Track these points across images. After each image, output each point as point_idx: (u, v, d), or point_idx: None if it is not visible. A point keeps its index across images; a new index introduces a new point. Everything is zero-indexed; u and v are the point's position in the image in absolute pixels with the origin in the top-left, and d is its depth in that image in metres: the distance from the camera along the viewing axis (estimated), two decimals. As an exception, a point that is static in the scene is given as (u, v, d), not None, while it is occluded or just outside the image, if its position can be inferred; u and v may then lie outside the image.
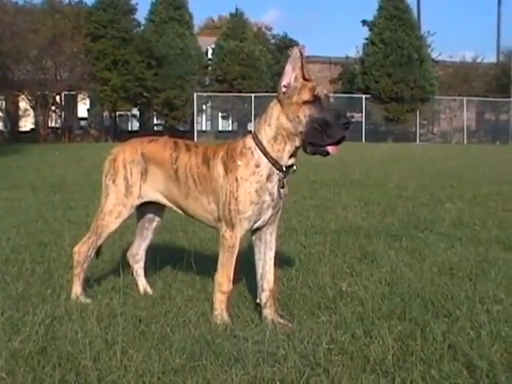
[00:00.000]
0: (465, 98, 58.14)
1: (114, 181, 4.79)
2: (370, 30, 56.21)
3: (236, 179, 4.26)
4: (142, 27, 53.95)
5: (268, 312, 4.47)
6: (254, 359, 3.62)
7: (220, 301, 4.38)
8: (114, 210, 4.76)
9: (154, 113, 55.74)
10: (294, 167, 4.36)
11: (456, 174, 16.71)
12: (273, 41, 62.30)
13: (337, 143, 4.08)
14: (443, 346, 3.77)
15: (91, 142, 49.97)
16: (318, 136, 4.05)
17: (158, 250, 6.40)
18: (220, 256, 4.39)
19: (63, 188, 12.79)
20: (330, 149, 4.09)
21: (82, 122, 57.86)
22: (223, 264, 4.38)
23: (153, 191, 4.72)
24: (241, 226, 4.30)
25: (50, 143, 43.68)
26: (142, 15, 58.12)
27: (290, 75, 4.18)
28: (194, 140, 51.08)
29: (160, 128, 56.62)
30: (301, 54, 4.19)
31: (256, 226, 4.40)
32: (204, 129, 59.88)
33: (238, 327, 4.21)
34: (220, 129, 60.93)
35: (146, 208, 4.97)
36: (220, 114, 59.60)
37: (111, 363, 3.57)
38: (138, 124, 59.79)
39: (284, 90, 4.19)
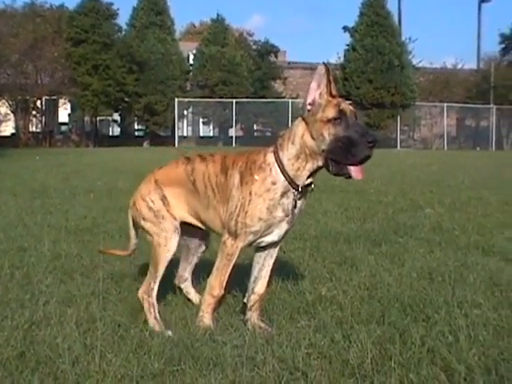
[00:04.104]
0: (445, 105, 58.47)
1: (143, 219, 4.64)
2: (351, 36, 56.39)
3: (250, 193, 4.16)
4: (124, 32, 53.99)
5: (252, 315, 4.45)
6: (232, 363, 3.62)
7: (208, 303, 4.36)
8: (161, 241, 4.63)
9: (135, 118, 55.71)
10: (313, 185, 4.25)
11: (436, 179, 16.76)
12: (254, 46, 62.36)
13: (361, 162, 3.95)
14: (421, 349, 3.78)
15: (72, 146, 49.92)
16: (342, 154, 3.91)
17: (140, 255, 6.39)
18: (217, 261, 4.36)
19: (43, 193, 12.74)
20: (353, 171, 3.96)
21: (63, 127, 57.82)
22: (218, 269, 4.34)
23: (179, 212, 4.59)
24: (245, 238, 4.24)
25: (31, 148, 43.60)
26: (123, 20, 58.04)
27: (315, 92, 4.04)
28: (175, 145, 51.11)
29: (141, 133, 56.60)
30: (327, 70, 4.04)
31: (271, 240, 4.35)
32: (185, 134, 59.86)
33: (217, 332, 4.20)
34: (201, 134, 60.96)
35: (191, 234, 4.86)
36: (201, 120, 59.66)
37: (90, 367, 3.56)
38: (119, 129, 59.75)
39: (309, 107, 4.05)
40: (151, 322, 4.44)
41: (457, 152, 47.70)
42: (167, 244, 4.50)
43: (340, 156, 3.93)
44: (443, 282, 5.50)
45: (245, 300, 4.58)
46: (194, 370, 3.55)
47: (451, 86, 62.71)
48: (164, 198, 4.58)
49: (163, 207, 4.57)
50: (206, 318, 4.35)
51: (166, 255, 4.50)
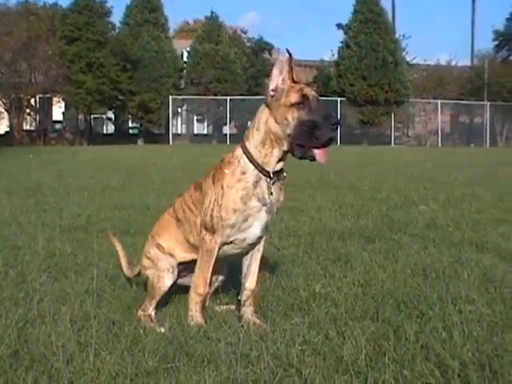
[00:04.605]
0: (439, 101, 58.59)
1: (145, 268, 4.71)
2: (345, 33, 56.51)
3: (222, 187, 4.20)
4: (117, 30, 54.00)
5: (246, 311, 4.47)
6: (227, 360, 3.62)
7: (195, 302, 4.38)
8: (155, 279, 4.68)
9: (129, 116, 55.74)
10: (284, 174, 4.31)
11: (430, 176, 16.80)
12: (248, 44, 62.40)
13: (325, 145, 4.01)
14: (416, 346, 3.78)
15: (66, 145, 49.87)
16: (306, 137, 3.98)
17: (132, 253, 6.40)
18: (198, 259, 4.38)
19: (37, 191, 12.72)
20: (317, 154, 4.02)
21: (57, 125, 57.77)
22: (200, 266, 4.36)
23: (174, 252, 4.66)
24: (222, 232, 4.26)
25: (25, 146, 43.57)
26: (117, 18, 58.08)
27: (278, 79, 4.11)
28: (169, 143, 51.12)
29: (135, 131, 56.59)
30: (289, 57, 4.12)
31: (255, 234, 4.33)
32: (179, 132, 59.91)
33: (211, 329, 4.20)
34: (195, 132, 60.99)
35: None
36: (195, 117, 59.67)
37: (84, 365, 3.56)
38: (113, 127, 59.76)
39: (272, 93, 4.12)
40: (144, 321, 4.46)
41: (451, 149, 47.79)
42: (159, 282, 4.59)
43: (304, 139, 4.00)
44: (437, 278, 5.51)
45: (239, 297, 4.60)
46: (188, 367, 3.55)
47: (445, 82, 62.80)
48: (159, 245, 4.66)
49: (158, 251, 4.65)
50: (195, 316, 4.35)
51: (158, 291, 4.59)
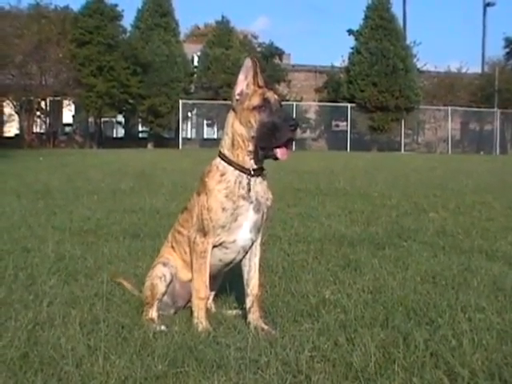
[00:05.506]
0: (449, 108, 58.55)
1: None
2: (356, 39, 56.56)
3: (206, 193, 4.30)
4: (128, 34, 54.11)
5: (252, 317, 4.46)
6: (236, 366, 3.61)
7: (199, 308, 4.38)
8: (149, 286, 4.70)
9: (139, 120, 55.81)
10: (265, 171, 4.41)
11: (440, 183, 16.76)
12: (259, 49, 62.37)
13: (285, 145, 4.13)
14: (425, 353, 3.77)
15: (76, 148, 49.92)
16: (268, 139, 4.12)
17: (141, 257, 6.41)
18: (193, 263, 4.40)
19: (47, 194, 12.74)
20: (279, 154, 4.13)
21: (67, 128, 57.93)
22: (197, 270, 4.38)
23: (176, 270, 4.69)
24: (214, 234, 4.32)
25: (35, 149, 43.62)
26: (128, 22, 58.08)
27: (243, 83, 4.31)
28: (178, 147, 51.15)
29: (145, 135, 56.65)
30: (254, 63, 4.31)
31: (245, 235, 4.36)
32: (189, 136, 59.92)
33: (221, 334, 4.20)
34: (205, 136, 60.96)
35: None
36: (205, 122, 59.67)
37: (93, 369, 3.55)
38: (123, 131, 59.84)
39: (237, 97, 4.31)
40: (147, 324, 4.46)
41: (461, 156, 47.69)
42: (154, 289, 4.60)
43: (266, 141, 4.15)
44: (447, 285, 5.49)
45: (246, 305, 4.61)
46: (197, 372, 3.54)
47: (455, 89, 62.73)
48: (154, 265, 4.75)
49: (152, 268, 4.71)
50: (201, 322, 4.35)
51: (153, 297, 4.60)
